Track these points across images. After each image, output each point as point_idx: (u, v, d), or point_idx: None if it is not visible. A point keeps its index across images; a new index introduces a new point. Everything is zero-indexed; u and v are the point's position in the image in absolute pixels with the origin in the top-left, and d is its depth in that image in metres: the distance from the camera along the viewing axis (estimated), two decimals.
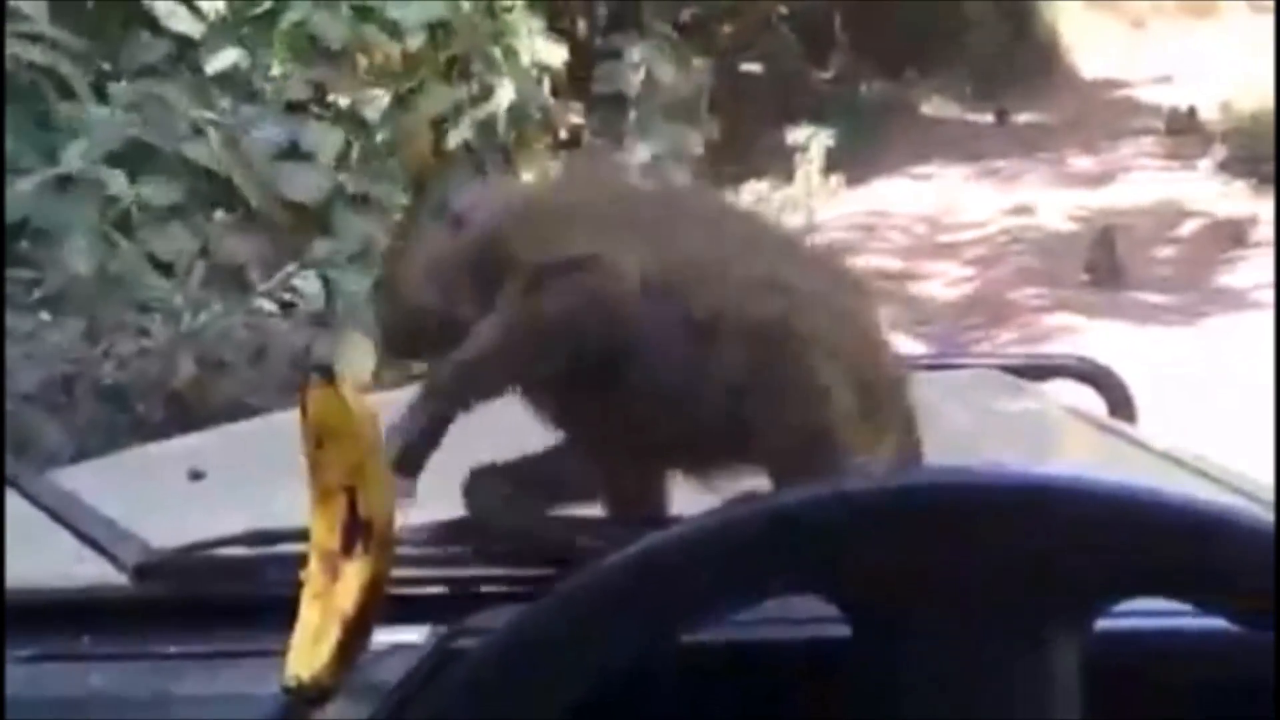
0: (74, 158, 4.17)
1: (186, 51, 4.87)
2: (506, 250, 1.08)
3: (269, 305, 4.30)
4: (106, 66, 4.62)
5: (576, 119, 7.71)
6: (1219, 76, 11.65)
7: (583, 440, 1.12)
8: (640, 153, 7.97)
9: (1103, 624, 0.63)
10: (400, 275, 1.14)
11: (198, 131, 4.48)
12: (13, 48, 4.16)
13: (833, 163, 10.18)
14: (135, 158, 4.36)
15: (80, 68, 4.37)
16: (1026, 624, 0.60)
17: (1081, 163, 11.26)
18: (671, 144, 8.08)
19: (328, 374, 0.87)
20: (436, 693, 0.61)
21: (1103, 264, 8.30)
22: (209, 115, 4.53)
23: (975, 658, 0.60)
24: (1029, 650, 0.60)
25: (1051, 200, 10.01)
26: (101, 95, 4.51)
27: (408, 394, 1.07)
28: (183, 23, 4.80)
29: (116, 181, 4.23)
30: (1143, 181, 10.51)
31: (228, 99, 4.73)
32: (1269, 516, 0.63)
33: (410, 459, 1.01)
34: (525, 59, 6.38)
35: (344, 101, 5.33)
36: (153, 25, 4.83)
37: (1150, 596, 0.64)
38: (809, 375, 1.01)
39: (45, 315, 3.81)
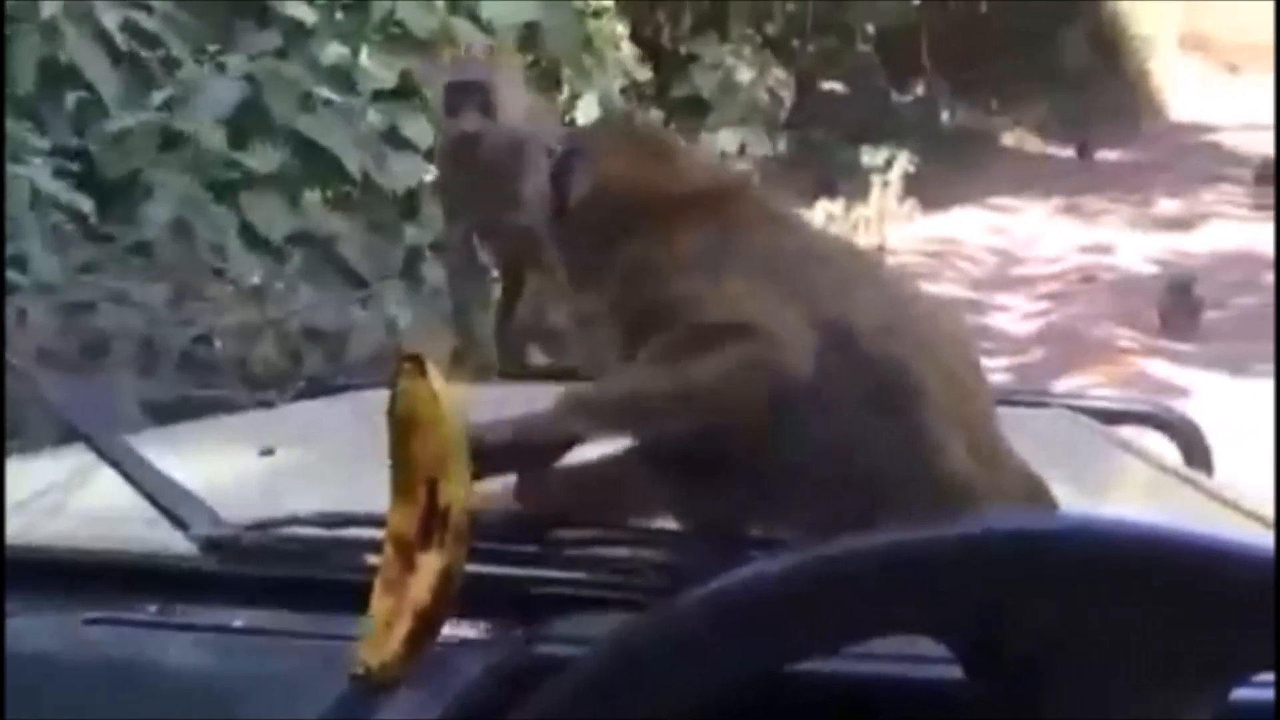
0: (181, 117, 4.24)
1: (295, 43, 4.93)
2: (652, 266, 1.03)
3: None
4: (216, 48, 4.70)
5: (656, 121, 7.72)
6: None
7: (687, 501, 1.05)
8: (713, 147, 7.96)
9: (1241, 693, 0.60)
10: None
11: (306, 108, 4.53)
12: (124, 11, 4.23)
13: (909, 187, 10.11)
14: (242, 127, 4.41)
15: (186, 42, 4.45)
16: (1157, 691, 0.57)
17: (1163, 206, 11.07)
18: (744, 144, 8.05)
19: (419, 364, 0.86)
20: (533, 700, 0.59)
21: (1177, 309, 8.14)
22: (322, 91, 4.58)
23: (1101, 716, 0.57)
24: (1159, 716, 0.57)
25: (1130, 241, 9.85)
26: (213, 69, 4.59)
27: (488, 390, 1.06)
28: (298, 8, 4.87)
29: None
30: (1225, 229, 10.31)
31: (334, 89, 4.79)
32: None
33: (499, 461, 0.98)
34: (611, 65, 6.40)
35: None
36: (261, 14, 4.90)
37: None
38: (937, 431, 1.00)
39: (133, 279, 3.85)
